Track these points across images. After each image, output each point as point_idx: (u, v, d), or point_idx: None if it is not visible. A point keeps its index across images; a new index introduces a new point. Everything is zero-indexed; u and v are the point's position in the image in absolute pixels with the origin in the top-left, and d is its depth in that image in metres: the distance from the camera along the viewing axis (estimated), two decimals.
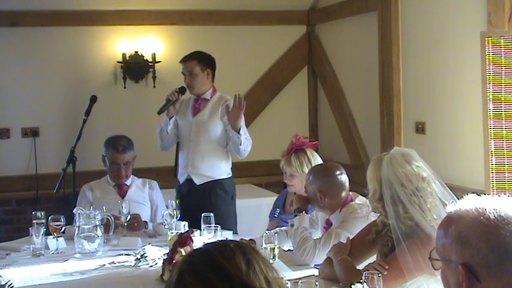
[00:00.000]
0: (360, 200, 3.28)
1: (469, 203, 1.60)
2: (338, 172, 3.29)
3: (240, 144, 4.30)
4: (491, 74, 3.77)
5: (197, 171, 4.45)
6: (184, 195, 4.48)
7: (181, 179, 4.54)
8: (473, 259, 1.51)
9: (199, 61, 4.46)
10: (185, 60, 4.51)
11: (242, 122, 4.32)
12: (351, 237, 2.91)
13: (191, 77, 4.44)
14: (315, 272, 2.97)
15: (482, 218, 1.54)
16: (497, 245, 1.50)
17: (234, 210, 4.58)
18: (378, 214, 2.73)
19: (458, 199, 1.67)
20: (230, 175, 4.56)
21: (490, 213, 1.54)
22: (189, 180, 4.47)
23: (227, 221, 4.33)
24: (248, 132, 4.44)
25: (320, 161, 3.71)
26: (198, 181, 4.45)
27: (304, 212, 3.29)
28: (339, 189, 3.26)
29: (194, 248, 1.41)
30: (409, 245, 2.53)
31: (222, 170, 4.50)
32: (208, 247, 1.39)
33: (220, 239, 3.18)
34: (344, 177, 3.29)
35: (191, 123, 4.45)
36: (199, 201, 4.32)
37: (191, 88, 4.47)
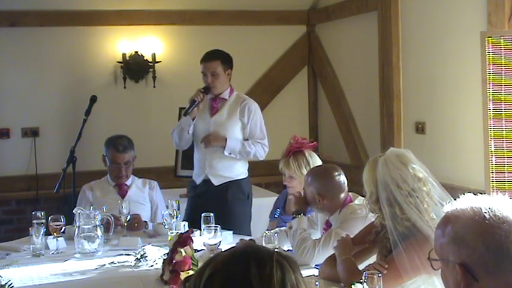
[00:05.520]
0: (359, 200, 3.27)
1: (464, 203, 1.60)
2: (336, 173, 3.27)
3: (241, 157, 4.34)
4: (491, 74, 3.77)
5: (215, 172, 4.37)
6: (200, 195, 4.41)
7: (198, 179, 4.44)
8: (470, 259, 1.52)
9: (222, 61, 4.34)
10: (208, 60, 4.34)
11: (231, 142, 4.32)
12: (351, 236, 2.91)
13: (213, 78, 4.31)
14: (315, 272, 2.97)
15: (477, 217, 1.55)
16: (493, 244, 1.51)
17: (249, 210, 4.52)
18: (376, 215, 2.73)
19: (457, 199, 1.67)
20: (247, 175, 4.49)
21: (485, 212, 1.54)
22: (207, 181, 4.39)
23: (242, 221, 4.31)
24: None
25: (319, 162, 3.70)
26: (216, 182, 4.37)
27: (302, 214, 3.28)
28: (338, 191, 3.24)
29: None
30: (405, 246, 2.53)
31: (240, 170, 4.43)
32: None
33: (221, 239, 3.18)
34: (342, 179, 3.27)
35: (209, 123, 4.36)
36: (216, 202, 4.22)
37: (212, 89, 4.34)
